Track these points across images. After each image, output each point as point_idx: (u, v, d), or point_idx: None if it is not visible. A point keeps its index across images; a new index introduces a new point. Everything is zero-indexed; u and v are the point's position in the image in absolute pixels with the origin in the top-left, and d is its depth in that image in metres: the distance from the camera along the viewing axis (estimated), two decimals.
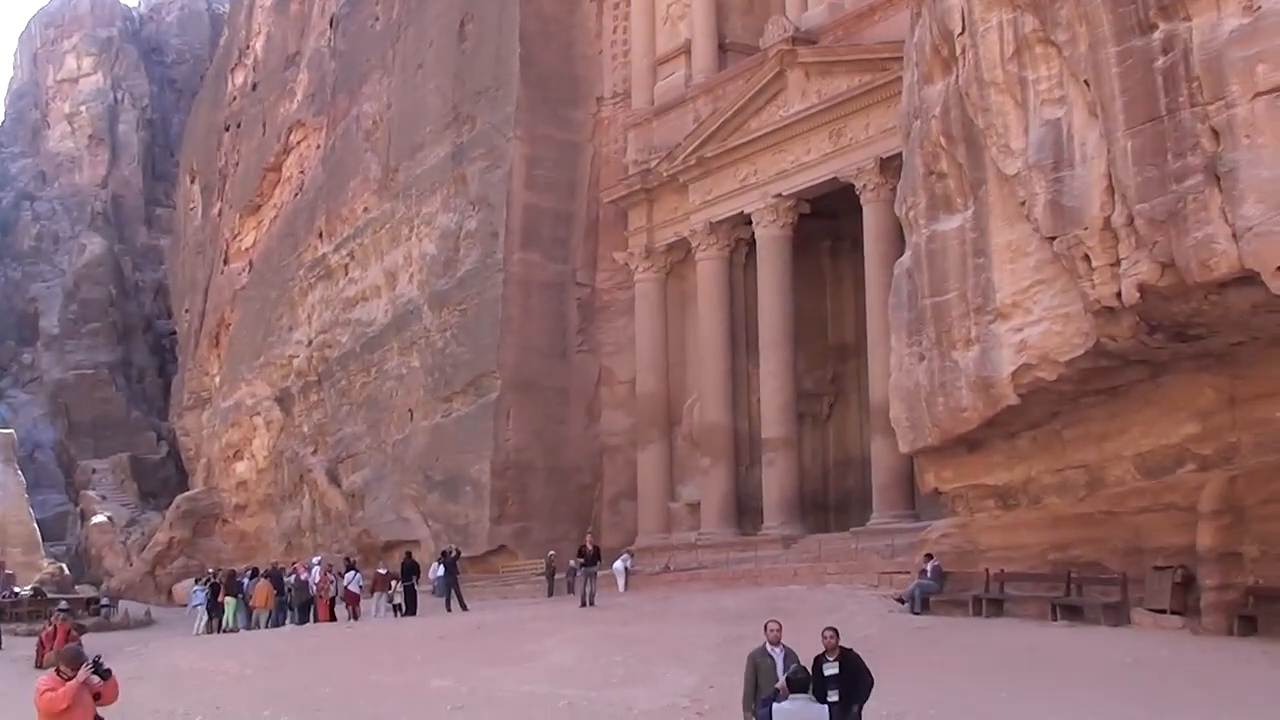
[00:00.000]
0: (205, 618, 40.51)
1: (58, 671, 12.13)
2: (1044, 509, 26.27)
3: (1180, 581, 23.05)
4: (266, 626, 38.64)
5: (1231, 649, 20.83)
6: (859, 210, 38.19)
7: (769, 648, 14.78)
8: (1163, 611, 23.22)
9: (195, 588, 42.66)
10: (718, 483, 42.02)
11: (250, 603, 39.81)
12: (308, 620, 38.97)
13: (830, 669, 14.33)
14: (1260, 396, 21.77)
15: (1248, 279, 18.13)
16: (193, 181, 74.00)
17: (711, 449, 42.25)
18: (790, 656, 14.53)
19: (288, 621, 39.09)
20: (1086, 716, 16.91)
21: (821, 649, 14.58)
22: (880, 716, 16.48)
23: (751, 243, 42.13)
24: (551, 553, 41.03)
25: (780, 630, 14.96)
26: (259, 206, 64.18)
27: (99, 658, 11.99)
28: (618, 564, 39.19)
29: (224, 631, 39.29)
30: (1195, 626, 22.50)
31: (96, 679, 11.91)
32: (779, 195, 40.35)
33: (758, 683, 14.34)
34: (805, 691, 12.90)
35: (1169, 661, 20.25)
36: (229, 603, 39.94)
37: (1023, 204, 22.79)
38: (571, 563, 37.96)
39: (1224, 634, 21.97)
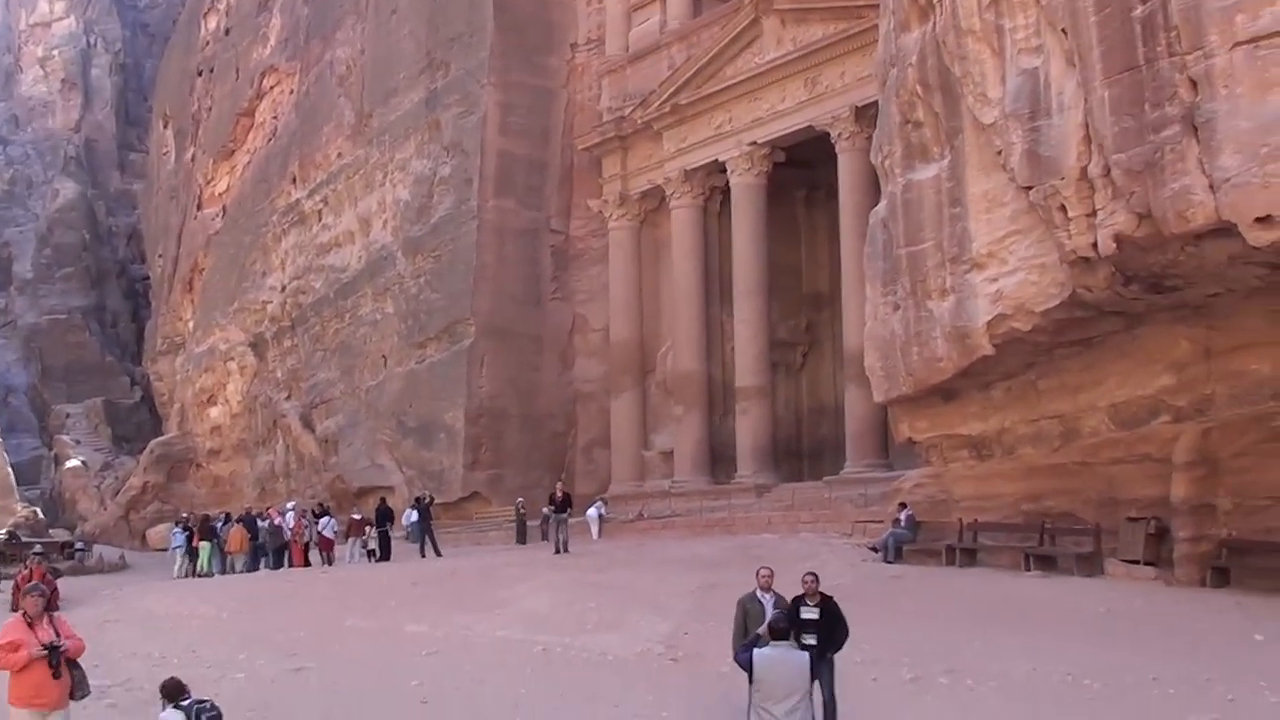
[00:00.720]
0: (185, 561, 40.38)
1: (24, 615, 12.30)
2: (1018, 459, 26.36)
3: (1153, 533, 23.18)
4: (241, 571, 38.65)
5: (1204, 600, 20.97)
6: (834, 159, 38.09)
7: (759, 593, 14.84)
8: (1136, 562, 23.35)
9: (175, 530, 42.58)
10: (691, 431, 42.05)
11: (225, 547, 39.80)
12: (282, 565, 39.12)
13: (809, 613, 14.38)
14: (1236, 349, 21.81)
15: (1225, 230, 18.09)
16: (166, 126, 73.38)
17: (685, 397, 42.26)
18: (780, 603, 14.59)
19: (262, 566, 39.18)
20: (1059, 664, 17.03)
21: (800, 592, 14.62)
22: (853, 664, 16.57)
23: (726, 191, 42.03)
24: (520, 499, 40.97)
25: (771, 576, 15.01)
26: (232, 152, 63.70)
27: (59, 646, 12.09)
28: (591, 511, 39.29)
29: (198, 576, 39.26)
30: (1168, 578, 22.63)
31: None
32: (754, 143, 40.22)
33: (747, 627, 14.39)
34: (787, 639, 12.95)
35: (1142, 612, 20.38)
36: (203, 547, 39.89)
37: (999, 153, 22.73)
38: (545, 510, 37.94)
39: (1197, 585, 22.10)
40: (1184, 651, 17.39)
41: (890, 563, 27.61)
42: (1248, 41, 17.48)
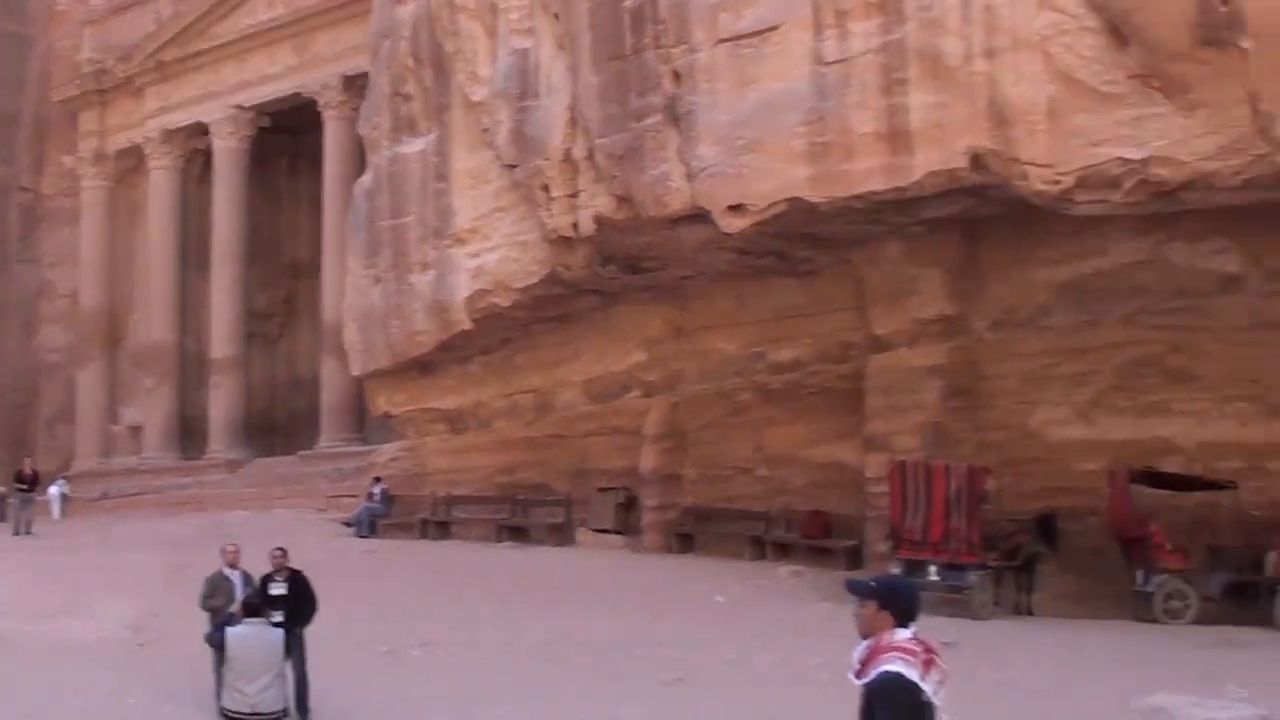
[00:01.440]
0: None
1: None
2: (493, 433, 26.92)
3: (623, 502, 24.34)
4: None
5: (669, 565, 22.14)
6: (321, 127, 37.57)
7: (226, 570, 14.51)
8: (606, 531, 24.42)
9: None
10: (162, 404, 40.65)
11: None
12: None
13: (277, 589, 14.11)
14: (704, 328, 23.09)
15: (700, 216, 19.03)
16: None
17: (156, 369, 40.77)
18: (248, 579, 14.32)
19: None
20: (531, 632, 17.44)
21: (270, 569, 14.31)
22: (323, 640, 16.27)
23: (209, 154, 40.69)
24: None
25: (238, 553, 14.82)
26: None
27: None
28: (53, 490, 37.26)
29: None
30: (636, 545, 23.76)
31: None
32: (239, 106, 39.24)
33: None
34: (261, 616, 12.67)
35: (610, 577, 21.27)
36: None
37: (486, 131, 23.11)
38: (1, 488, 35.52)
39: (663, 551, 23.39)
40: (650, 615, 18.18)
41: (365, 537, 27.51)
42: (730, 40, 18.42)
